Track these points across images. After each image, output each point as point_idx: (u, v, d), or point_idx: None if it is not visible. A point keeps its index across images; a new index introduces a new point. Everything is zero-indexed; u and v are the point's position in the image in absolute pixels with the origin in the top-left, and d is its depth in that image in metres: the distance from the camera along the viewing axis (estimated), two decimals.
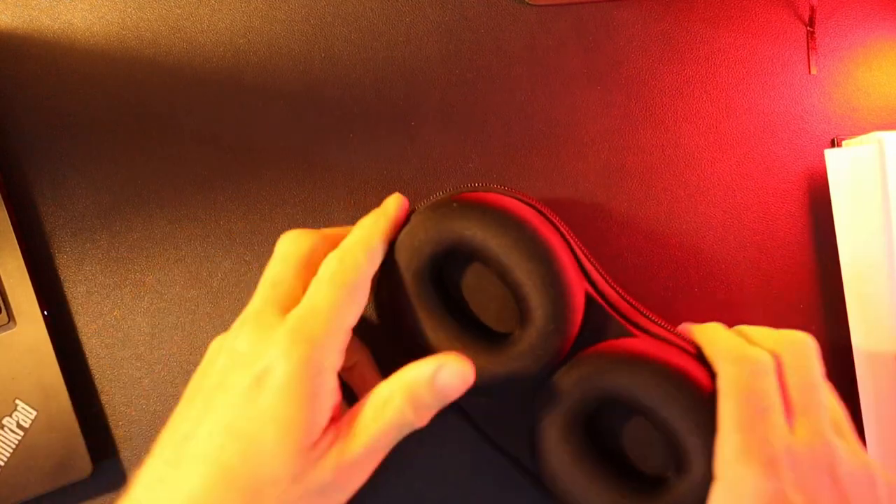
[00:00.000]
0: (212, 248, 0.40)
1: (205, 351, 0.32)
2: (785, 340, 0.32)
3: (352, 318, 0.30)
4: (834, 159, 0.40)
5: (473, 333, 0.33)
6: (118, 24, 0.40)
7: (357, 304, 0.31)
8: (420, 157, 0.41)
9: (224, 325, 0.40)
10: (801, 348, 0.32)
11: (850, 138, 0.42)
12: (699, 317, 0.41)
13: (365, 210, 0.40)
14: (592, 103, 0.42)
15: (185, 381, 0.32)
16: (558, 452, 0.32)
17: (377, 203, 0.40)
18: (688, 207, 0.41)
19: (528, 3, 0.41)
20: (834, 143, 0.42)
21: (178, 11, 0.41)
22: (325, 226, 0.40)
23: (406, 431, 0.30)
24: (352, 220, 0.40)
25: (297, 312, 0.30)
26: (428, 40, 0.41)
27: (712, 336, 0.33)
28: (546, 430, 0.33)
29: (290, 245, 0.33)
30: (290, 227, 0.40)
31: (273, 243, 0.39)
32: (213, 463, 0.27)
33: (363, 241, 0.32)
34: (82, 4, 0.40)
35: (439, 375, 0.30)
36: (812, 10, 0.42)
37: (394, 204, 0.35)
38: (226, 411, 0.28)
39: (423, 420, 0.30)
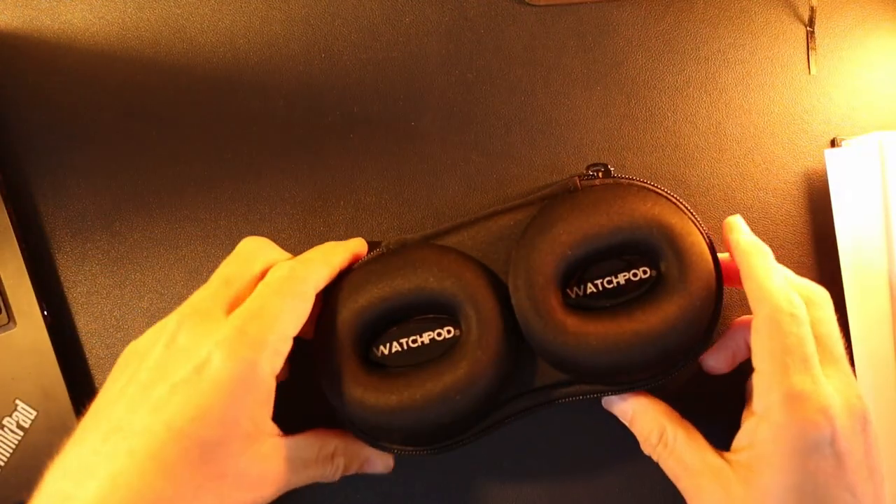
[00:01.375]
0: (212, 248, 0.40)
1: None
2: (810, 292, 0.33)
3: (294, 327, 0.31)
4: (834, 159, 0.40)
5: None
6: (118, 24, 0.40)
7: (300, 314, 0.31)
8: (420, 157, 0.41)
9: None
10: (826, 301, 0.33)
11: (850, 138, 0.42)
12: None
13: (365, 209, 0.41)
14: (592, 103, 0.42)
15: None
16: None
17: (377, 203, 0.40)
18: None
19: (528, 3, 0.41)
20: (834, 143, 0.42)
21: (178, 11, 0.41)
22: (325, 226, 0.40)
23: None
24: (352, 220, 0.40)
25: (241, 312, 0.30)
26: (428, 40, 0.41)
27: (762, 264, 0.33)
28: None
29: (252, 248, 0.34)
30: (290, 226, 0.40)
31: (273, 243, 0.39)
32: (152, 457, 0.27)
33: (318, 259, 0.33)
34: (82, 4, 0.40)
35: (373, 461, 0.36)
36: (812, 10, 0.42)
37: (356, 244, 0.36)
38: (162, 403, 0.28)
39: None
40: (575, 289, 0.35)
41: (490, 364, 0.33)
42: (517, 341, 0.34)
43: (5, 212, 0.38)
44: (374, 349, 0.35)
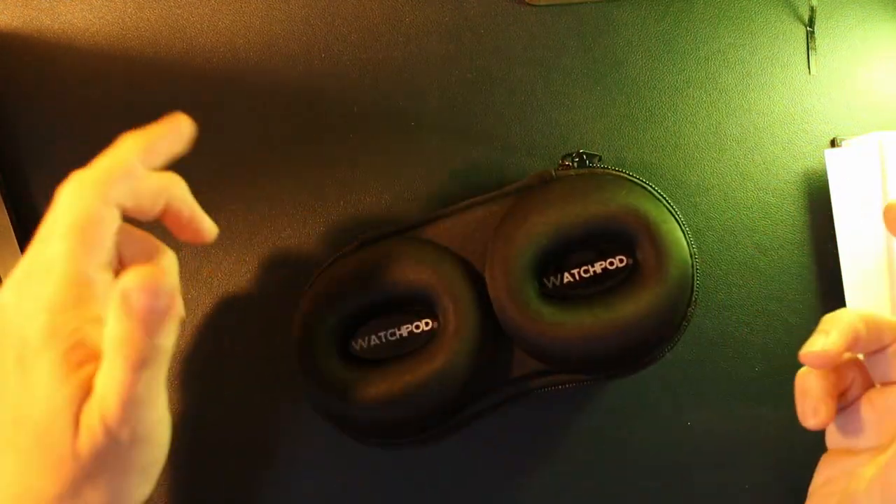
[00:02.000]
0: (212, 248, 0.40)
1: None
2: None
3: (87, 260, 0.26)
4: (834, 159, 0.40)
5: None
6: (118, 24, 0.40)
7: (94, 246, 0.26)
8: (420, 157, 0.41)
9: (224, 325, 0.40)
10: None
11: (850, 138, 0.42)
12: (699, 317, 0.41)
13: (365, 209, 0.40)
14: (592, 103, 0.42)
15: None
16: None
17: (377, 203, 0.40)
18: (688, 207, 0.41)
19: (528, 3, 0.41)
20: (834, 143, 0.42)
21: (178, 11, 0.40)
22: (325, 226, 0.40)
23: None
24: (352, 220, 0.40)
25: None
26: (428, 40, 0.41)
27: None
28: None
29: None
30: (290, 226, 0.40)
31: (273, 244, 0.39)
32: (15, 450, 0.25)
33: (105, 167, 0.28)
34: (82, 4, 0.40)
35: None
36: (812, 10, 0.42)
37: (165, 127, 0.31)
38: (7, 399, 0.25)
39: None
40: (552, 279, 0.35)
41: (467, 355, 0.33)
42: (494, 332, 0.34)
43: (5, 212, 0.38)
44: (353, 343, 0.35)
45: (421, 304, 0.35)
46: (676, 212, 0.35)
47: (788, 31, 0.43)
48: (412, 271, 0.34)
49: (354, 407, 0.33)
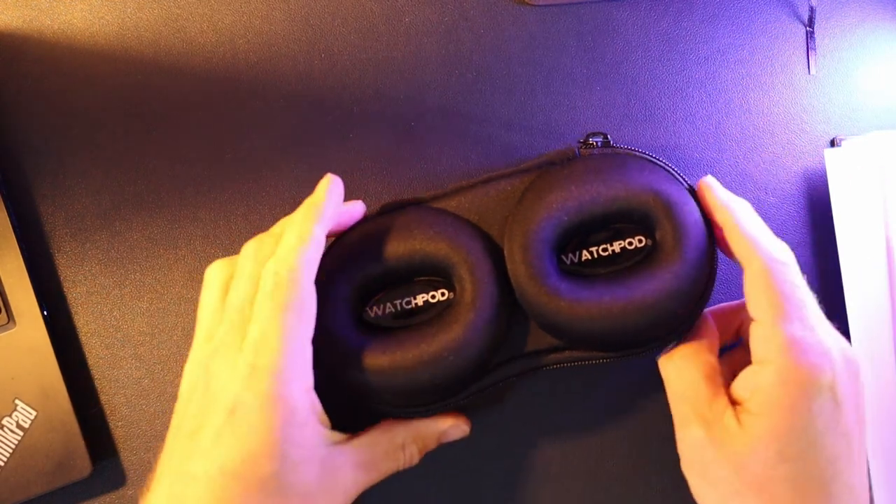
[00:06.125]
0: (212, 248, 0.40)
1: None
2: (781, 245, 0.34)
3: (305, 334, 0.30)
4: (834, 159, 0.40)
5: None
6: (118, 24, 0.40)
7: (305, 319, 0.30)
8: (420, 157, 0.41)
9: None
10: (791, 255, 0.33)
11: (850, 138, 0.42)
12: None
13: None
14: (592, 103, 0.42)
15: None
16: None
17: (377, 203, 0.40)
18: None
19: (528, 3, 0.41)
20: (834, 143, 0.42)
21: (178, 11, 0.40)
22: None
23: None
24: None
25: (249, 344, 0.29)
26: (428, 40, 0.41)
27: (747, 217, 0.33)
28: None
29: (218, 272, 0.33)
30: None
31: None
32: (216, 500, 0.27)
33: (295, 247, 0.31)
34: (82, 4, 0.40)
35: (450, 433, 0.36)
36: (812, 10, 0.42)
37: (324, 189, 0.33)
38: (211, 449, 0.28)
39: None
40: (570, 255, 0.35)
41: (483, 326, 0.33)
42: (511, 305, 0.34)
43: (5, 212, 0.38)
44: (368, 310, 0.35)
45: (438, 274, 0.34)
46: (696, 194, 0.35)
47: (788, 31, 0.43)
48: (430, 240, 0.33)
49: (368, 373, 0.33)
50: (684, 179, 0.35)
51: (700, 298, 0.34)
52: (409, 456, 0.35)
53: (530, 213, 0.33)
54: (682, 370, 0.34)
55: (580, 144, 0.36)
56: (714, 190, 0.34)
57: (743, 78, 0.42)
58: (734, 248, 0.33)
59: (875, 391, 0.40)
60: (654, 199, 0.33)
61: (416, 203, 0.36)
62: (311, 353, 0.30)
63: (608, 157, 0.35)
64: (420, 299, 0.35)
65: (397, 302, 0.35)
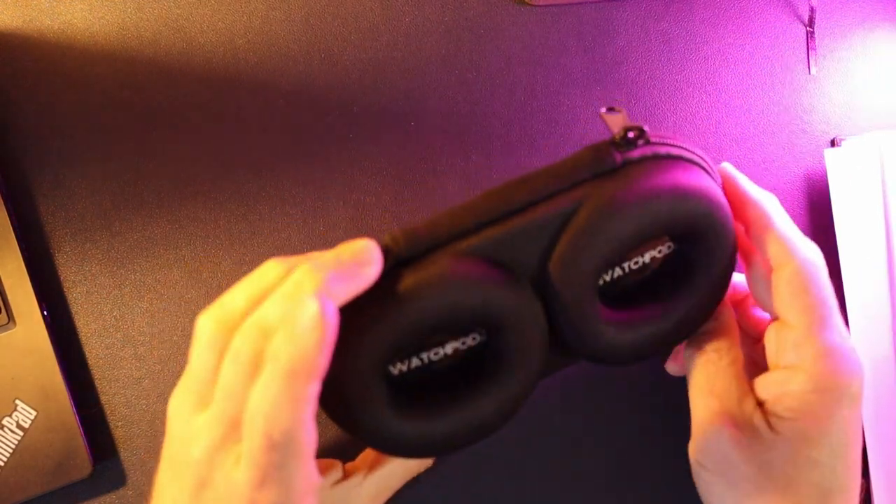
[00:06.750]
0: (212, 248, 0.40)
1: None
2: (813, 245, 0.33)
3: (307, 471, 0.25)
4: (834, 159, 0.40)
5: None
6: (118, 24, 0.40)
7: (306, 469, 0.25)
8: (420, 157, 0.41)
9: None
10: (822, 256, 0.33)
11: (850, 138, 0.42)
12: None
13: (365, 209, 0.40)
14: (592, 103, 0.42)
15: None
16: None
17: (377, 203, 0.40)
18: None
19: (528, 3, 0.41)
20: (834, 143, 0.42)
21: (178, 11, 0.40)
22: (325, 226, 0.40)
23: None
24: (352, 220, 0.40)
25: (250, 441, 0.24)
26: (428, 40, 0.41)
27: (779, 214, 0.32)
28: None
29: (212, 332, 0.27)
30: (290, 227, 0.40)
31: (273, 244, 0.39)
32: None
33: (286, 409, 0.24)
34: (82, 4, 0.40)
35: None
36: (812, 10, 0.42)
37: (352, 257, 0.27)
38: None
39: None
40: (604, 276, 0.32)
41: (531, 384, 0.31)
42: (553, 346, 0.31)
43: (5, 212, 0.38)
44: (391, 367, 0.30)
45: (473, 328, 0.31)
46: (723, 195, 0.32)
47: (788, 31, 0.43)
48: (468, 298, 0.28)
49: (414, 445, 0.30)
50: (713, 170, 0.32)
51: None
52: (422, 466, 0.35)
53: (583, 260, 0.29)
54: (715, 365, 0.32)
55: (615, 140, 0.30)
56: (740, 183, 0.32)
57: (743, 78, 0.42)
58: (767, 247, 0.32)
59: (875, 391, 0.40)
60: (702, 220, 0.30)
61: (435, 244, 0.29)
62: (315, 472, 0.26)
63: (655, 168, 0.30)
64: (449, 348, 0.31)
65: (424, 355, 0.30)
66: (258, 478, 0.24)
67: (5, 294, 0.37)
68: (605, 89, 0.42)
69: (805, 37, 0.43)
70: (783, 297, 0.31)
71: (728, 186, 0.33)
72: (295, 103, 0.41)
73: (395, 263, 0.28)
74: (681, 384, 0.41)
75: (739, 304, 0.36)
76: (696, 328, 0.33)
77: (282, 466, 0.24)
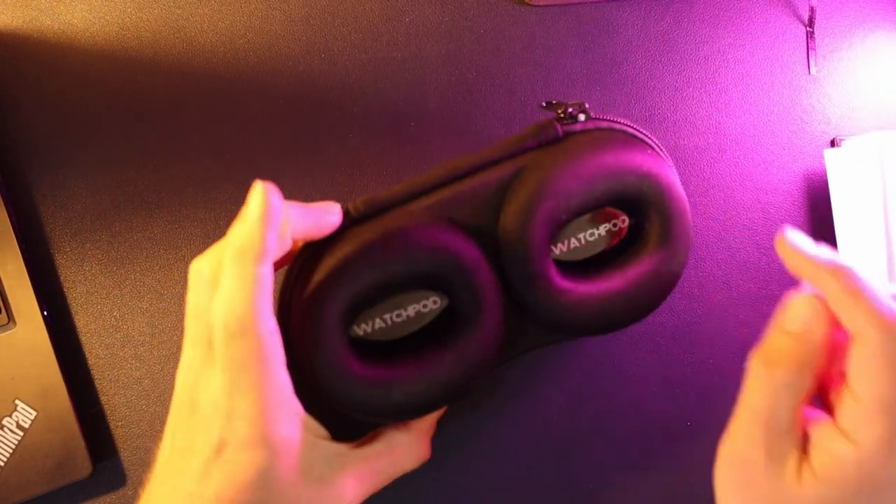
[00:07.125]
0: None
1: None
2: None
3: (275, 376, 0.28)
4: (833, 159, 0.40)
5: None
6: (118, 24, 0.40)
7: (272, 363, 0.28)
8: (420, 157, 0.41)
9: None
10: None
11: (850, 138, 0.42)
12: (699, 317, 0.41)
13: None
14: (592, 103, 0.42)
15: None
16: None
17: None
18: None
19: (528, 3, 0.41)
20: (834, 143, 0.42)
21: (178, 11, 0.40)
22: None
23: None
24: None
25: (223, 384, 0.27)
26: (428, 40, 0.41)
27: (859, 287, 0.28)
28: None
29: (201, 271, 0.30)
30: None
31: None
32: None
33: (238, 297, 0.27)
34: (82, 4, 0.40)
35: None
36: (812, 10, 0.42)
37: (258, 210, 0.29)
38: (203, 475, 0.28)
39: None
40: (560, 245, 0.34)
41: (492, 345, 0.32)
42: (511, 311, 0.33)
43: (5, 212, 0.38)
44: (356, 327, 0.32)
45: (431, 285, 0.32)
46: (671, 164, 0.34)
47: (788, 31, 0.43)
48: (427, 256, 0.31)
49: (375, 401, 0.31)
50: (666, 154, 0.34)
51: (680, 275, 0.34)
52: (415, 456, 0.34)
53: (528, 218, 0.31)
54: (776, 387, 0.29)
55: (558, 117, 0.33)
56: (809, 254, 0.29)
57: (743, 78, 0.42)
58: (841, 315, 0.29)
59: None
60: (647, 184, 0.32)
61: (395, 204, 0.33)
62: (289, 386, 0.29)
63: (595, 136, 0.33)
64: (411, 310, 0.32)
65: (387, 316, 0.32)
66: (228, 381, 0.27)
67: (5, 294, 0.37)
68: (605, 89, 0.42)
69: (805, 37, 0.43)
70: (859, 370, 0.28)
71: (790, 258, 0.30)
72: (295, 103, 0.41)
73: (352, 222, 0.32)
74: (682, 384, 0.41)
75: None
76: (655, 301, 0.33)
77: (245, 367, 0.27)
